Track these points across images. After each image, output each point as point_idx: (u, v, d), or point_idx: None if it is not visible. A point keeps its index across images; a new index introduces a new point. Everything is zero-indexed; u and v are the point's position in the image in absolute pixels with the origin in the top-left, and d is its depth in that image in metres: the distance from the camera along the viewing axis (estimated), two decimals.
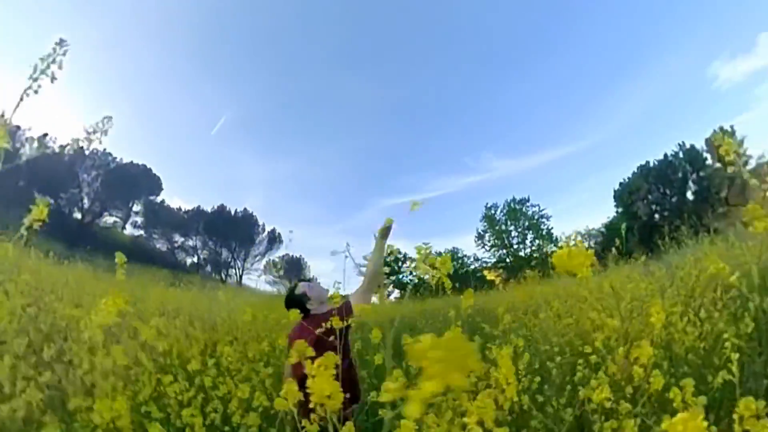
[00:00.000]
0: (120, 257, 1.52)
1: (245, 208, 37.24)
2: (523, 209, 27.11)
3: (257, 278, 35.48)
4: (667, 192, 23.31)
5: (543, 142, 42.06)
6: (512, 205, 27.23)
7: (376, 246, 1.82)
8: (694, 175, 22.88)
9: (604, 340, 1.96)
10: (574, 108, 39.51)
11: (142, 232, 34.09)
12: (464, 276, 24.91)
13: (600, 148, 37.46)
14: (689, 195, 22.55)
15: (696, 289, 2.58)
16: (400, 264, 30.99)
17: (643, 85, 35.00)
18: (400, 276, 30.11)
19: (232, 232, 35.45)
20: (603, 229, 25.31)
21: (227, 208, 36.63)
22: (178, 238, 35.55)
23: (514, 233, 27.03)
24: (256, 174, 51.95)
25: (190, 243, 35.92)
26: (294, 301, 1.89)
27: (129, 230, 33.77)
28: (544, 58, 37.97)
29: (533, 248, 26.29)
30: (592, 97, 38.44)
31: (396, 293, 22.57)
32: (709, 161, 22.57)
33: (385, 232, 1.84)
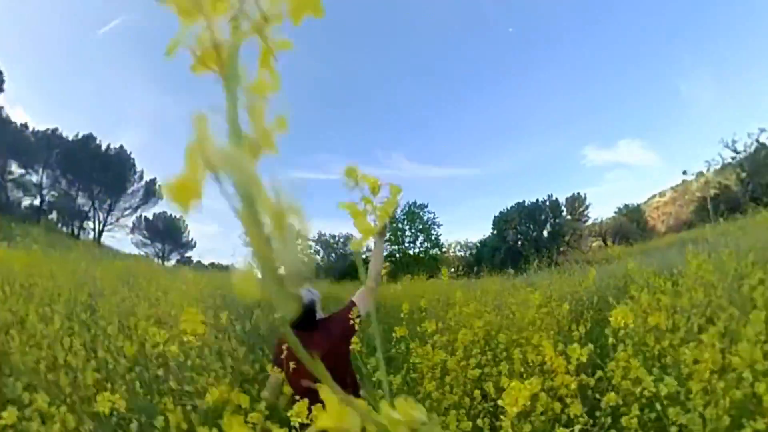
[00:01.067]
0: None
1: (121, 146, 28.46)
2: (421, 213, 29.62)
3: (123, 237, 28.06)
4: (531, 227, 28.97)
5: (448, 158, 46.38)
6: (412, 208, 29.47)
7: (376, 245, 1.79)
8: (552, 220, 29.16)
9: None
10: (480, 140, 45.68)
11: None
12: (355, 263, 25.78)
13: (491, 179, 45.08)
14: (545, 233, 28.85)
15: (552, 301, 3.44)
16: None
17: (535, 143, 45.02)
18: None
19: (98, 173, 26.21)
20: (478, 244, 31.07)
21: (97, 141, 27.45)
22: (15, 169, 24.72)
23: (408, 233, 29.31)
24: (142, 105, 43.41)
25: (33, 178, 25.49)
26: (310, 313, 1.70)
27: None
28: (470, 90, 42.30)
29: (421, 250, 29.01)
30: (495, 137, 45.33)
31: None
32: (565, 213, 29.64)
33: (383, 230, 1.74)
